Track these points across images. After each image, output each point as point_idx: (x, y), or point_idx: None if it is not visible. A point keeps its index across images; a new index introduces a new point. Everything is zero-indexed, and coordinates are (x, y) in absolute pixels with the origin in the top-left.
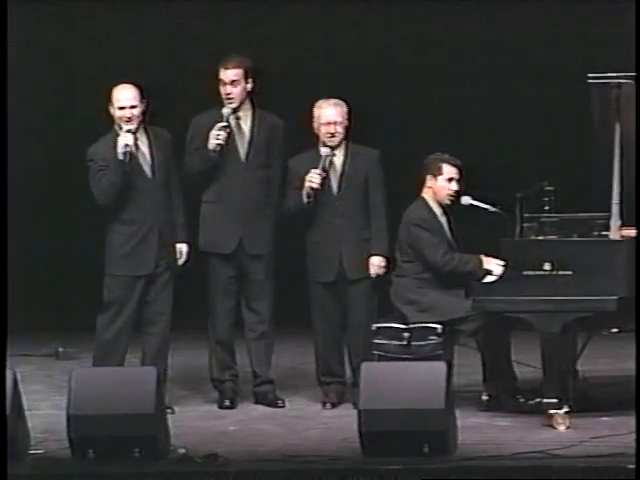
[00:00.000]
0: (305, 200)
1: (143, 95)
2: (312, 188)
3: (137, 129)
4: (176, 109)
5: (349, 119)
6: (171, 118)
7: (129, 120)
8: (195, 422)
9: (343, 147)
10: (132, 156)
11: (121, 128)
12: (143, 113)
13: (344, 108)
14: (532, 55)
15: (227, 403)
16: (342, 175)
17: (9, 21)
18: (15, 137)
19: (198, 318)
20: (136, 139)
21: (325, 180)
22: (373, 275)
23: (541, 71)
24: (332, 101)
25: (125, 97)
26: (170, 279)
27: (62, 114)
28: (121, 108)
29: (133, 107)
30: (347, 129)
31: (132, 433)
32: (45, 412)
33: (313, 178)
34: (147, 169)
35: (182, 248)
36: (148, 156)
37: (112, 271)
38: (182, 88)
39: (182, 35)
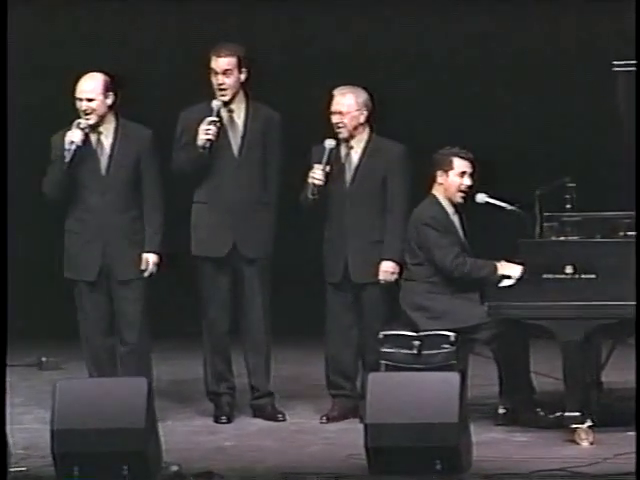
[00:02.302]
0: (310, 196)
1: (110, 88)
2: (313, 185)
3: (99, 124)
4: (176, 105)
5: (368, 109)
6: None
7: (85, 113)
8: (188, 437)
9: (364, 139)
10: (76, 153)
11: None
12: (110, 106)
13: (358, 98)
14: (549, 46)
15: (224, 419)
16: (357, 170)
17: (9, 20)
18: (15, 137)
19: (191, 325)
20: (99, 133)
21: (335, 174)
22: (382, 281)
23: (560, 63)
24: (344, 89)
25: (82, 89)
26: (136, 288)
27: (62, 112)
28: (79, 100)
29: (90, 100)
30: (367, 119)
31: (121, 449)
32: (27, 426)
33: (315, 174)
34: (103, 166)
35: (148, 258)
36: (108, 153)
37: (64, 273)
38: (182, 83)
39: (181, 28)
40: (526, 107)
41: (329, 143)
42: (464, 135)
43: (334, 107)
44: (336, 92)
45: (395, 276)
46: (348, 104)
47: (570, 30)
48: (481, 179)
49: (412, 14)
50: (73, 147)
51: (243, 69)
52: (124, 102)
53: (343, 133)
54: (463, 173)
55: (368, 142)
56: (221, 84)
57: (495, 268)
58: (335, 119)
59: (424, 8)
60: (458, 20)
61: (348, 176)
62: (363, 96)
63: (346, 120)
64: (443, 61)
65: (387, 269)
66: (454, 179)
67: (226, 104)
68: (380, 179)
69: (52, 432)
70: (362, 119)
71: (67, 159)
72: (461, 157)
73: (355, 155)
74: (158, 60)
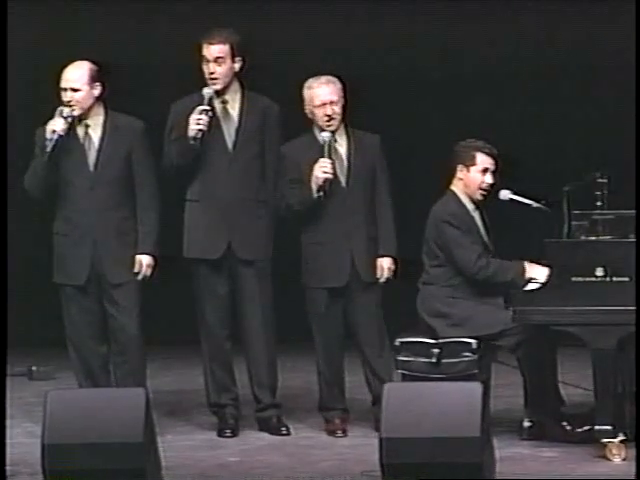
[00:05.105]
0: (315, 194)
1: (97, 77)
2: (325, 180)
3: (86, 116)
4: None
5: (345, 98)
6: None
7: (70, 104)
8: (190, 452)
9: (343, 132)
10: (58, 143)
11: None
12: (98, 97)
13: (337, 85)
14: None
15: (228, 433)
16: (349, 165)
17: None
18: (15, 137)
19: (190, 332)
20: (87, 126)
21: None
22: (383, 280)
23: (590, 53)
24: (324, 79)
25: (67, 78)
26: (129, 292)
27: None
28: (63, 90)
29: (75, 90)
30: (344, 110)
31: (117, 465)
32: (15, 440)
33: (326, 168)
34: (91, 162)
35: (142, 260)
36: (96, 147)
37: (54, 277)
38: (177, 75)
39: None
40: (554, 101)
41: (327, 135)
42: (489, 128)
43: (322, 98)
44: (314, 84)
45: (393, 273)
46: (336, 91)
47: (601, 29)
48: (505, 174)
49: (419, 13)
50: (55, 137)
51: (237, 57)
52: (114, 93)
53: (334, 125)
54: (485, 170)
55: (348, 134)
56: (212, 73)
57: (523, 270)
58: (326, 111)
59: (428, 7)
60: (468, 17)
61: (340, 172)
62: (339, 83)
63: (337, 108)
64: (459, 59)
65: (388, 266)
66: (475, 176)
67: (219, 94)
68: (369, 172)
69: (42, 447)
70: (344, 108)
71: (48, 149)
72: (485, 152)
73: (341, 149)
74: (153, 49)
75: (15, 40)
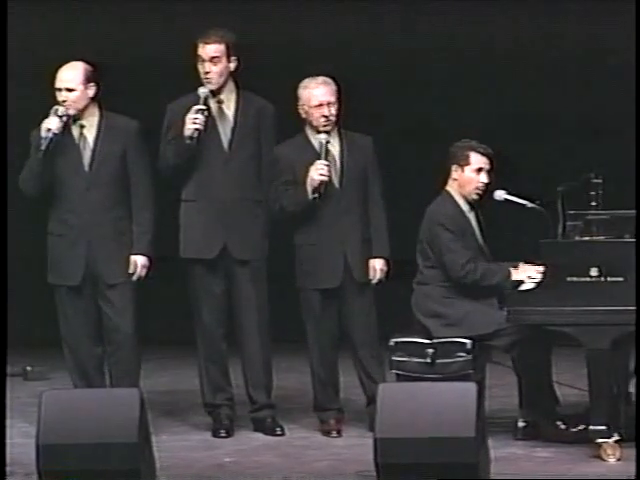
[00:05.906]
0: (311, 196)
1: (91, 78)
2: (320, 182)
3: (80, 116)
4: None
5: (339, 100)
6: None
7: (64, 104)
8: (185, 453)
9: (336, 133)
10: (52, 142)
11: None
12: (93, 97)
13: (334, 86)
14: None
15: (223, 434)
16: (342, 166)
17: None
18: (15, 138)
19: (185, 332)
20: (82, 127)
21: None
22: (375, 281)
23: (590, 52)
24: (320, 79)
25: (62, 78)
26: (124, 293)
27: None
28: (58, 90)
29: (70, 90)
30: (338, 112)
31: (112, 465)
32: (10, 441)
33: (322, 170)
34: (86, 162)
35: (137, 260)
36: (91, 147)
37: (48, 278)
38: (173, 74)
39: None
40: (554, 101)
41: (323, 137)
42: (488, 128)
43: (320, 99)
44: (311, 84)
45: (385, 274)
46: (332, 92)
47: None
48: (501, 174)
49: (413, 12)
50: (50, 135)
51: (232, 57)
52: (112, 93)
53: (329, 126)
54: (480, 169)
55: (340, 135)
56: (207, 72)
57: (509, 274)
58: (323, 112)
59: (428, 7)
60: (464, 17)
61: (334, 174)
62: (335, 85)
63: (333, 109)
64: (457, 59)
65: (380, 267)
66: (470, 175)
67: (215, 94)
68: (361, 174)
69: (37, 447)
70: (339, 110)
71: (42, 147)
72: (479, 152)
73: (335, 150)
74: (153, 49)
75: (15, 40)
